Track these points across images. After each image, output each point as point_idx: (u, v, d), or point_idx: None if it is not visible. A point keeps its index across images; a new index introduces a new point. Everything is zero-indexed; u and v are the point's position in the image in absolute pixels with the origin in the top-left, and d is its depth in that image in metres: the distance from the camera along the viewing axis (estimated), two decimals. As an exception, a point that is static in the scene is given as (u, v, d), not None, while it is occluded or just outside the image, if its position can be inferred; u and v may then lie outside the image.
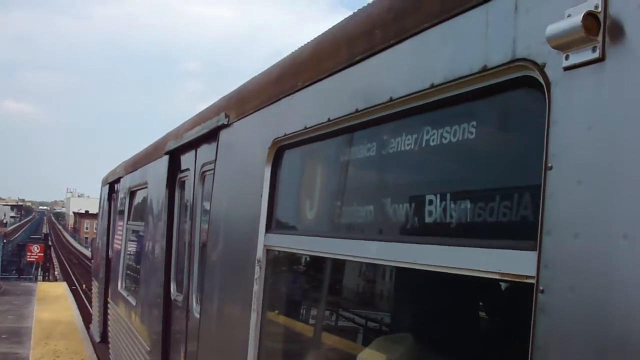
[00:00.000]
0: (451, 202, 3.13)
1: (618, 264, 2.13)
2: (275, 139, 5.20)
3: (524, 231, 2.65)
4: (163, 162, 9.64)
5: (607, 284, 2.17)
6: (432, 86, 3.20)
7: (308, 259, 5.00)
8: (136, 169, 12.54)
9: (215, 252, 6.60)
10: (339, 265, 4.48)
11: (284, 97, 5.15)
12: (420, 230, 3.36)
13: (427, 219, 3.28)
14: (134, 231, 12.99)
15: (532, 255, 2.48)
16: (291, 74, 5.15)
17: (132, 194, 13.24)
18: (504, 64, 2.74)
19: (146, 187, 11.26)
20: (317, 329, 5.00)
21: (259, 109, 5.72)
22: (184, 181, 8.93)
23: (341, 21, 4.50)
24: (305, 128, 4.67)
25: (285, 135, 5.03)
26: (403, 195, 3.59)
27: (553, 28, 2.39)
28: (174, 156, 9.28)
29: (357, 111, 3.93)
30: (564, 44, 2.37)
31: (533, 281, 2.46)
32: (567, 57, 2.40)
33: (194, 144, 8.20)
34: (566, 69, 2.40)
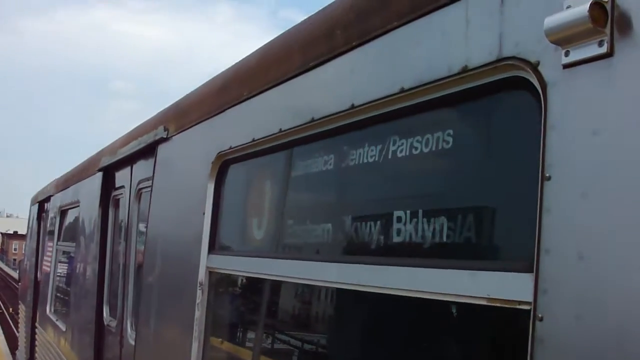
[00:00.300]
0: (424, 219, 2.80)
1: (631, 289, 1.84)
2: (220, 152, 4.81)
3: (516, 251, 2.35)
4: (96, 179, 9.10)
5: (619, 312, 1.87)
6: (402, 90, 2.88)
7: (256, 282, 4.60)
8: (68, 187, 11.88)
9: (153, 275, 6.14)
10: (292, 289, 4.11)
11: (228, 107, 4.77)
12: (389, 251, 3.03)
13: (396, 238, 2.95)
14: (64, 252, 12.30)
15: (526, 278, 2.17)
16: (237, 83, 4.78)
17: (62, 213, 12.55)
18: (487, 64, 2.44)
19: (78, 206, 10.65)
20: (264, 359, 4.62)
21: (201, 121, 5.33)
22: (119, 199, 8.43)
23: (294, 26, 4.17)
24: (254, 140, 4.30)
25: (230, 148, 4.66)
26: (367, 212, 3.25)
27: (552, 20, 2.10)
28: (108, 173, 8.76)
29: (313, 120, 3.59)
30: (564, 38, 2.09)
31: (529, 307, 2.15)
32: (567, 54, 2.11)
33: (129, 160, 7.71)
34: (566, 66, 2.11)
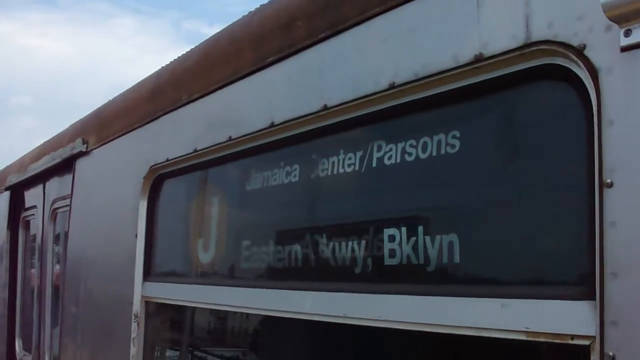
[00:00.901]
0: (432, 236, 2.35)
1: None
2: (153, 166, 4.26)
3: (565, 273, 1.93)
4: (2, 199, 8.27)
5: None
6: (392, 86, 2.44)
7: (202, 313, 4.05)
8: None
9: (76, 305, 5.46)
10: (248, 321, 3.59)
11: (163, 114, 4.22)
12: (381, 276, 2.56)
13: (390, 260, 2.49)
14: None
15: (584, 307, 1.77)
16: (173, 86, 4.23)
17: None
18: (510, 51, 2.03)
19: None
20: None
21: (129, 132, 4.74)
22: (29, 221, 7.66)
23: (241, 18, 3.66)
24: (196, 151, 3.78)
25: (167, 160, 4.11)
26: (348, 228, 2.77)
27: (613, -8, 1.70)
28: (17, 192, 7.96)
29: (272, 126, 3.10)
30: (625, 14, 1.69)
31: (588, 342, 1.75)
32: (627, 33, 1.71)
33: (42, 177, 6.98)
34: (626, 49, 1.72)
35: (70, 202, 5.73)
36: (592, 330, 1.74)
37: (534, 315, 1.91)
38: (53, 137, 7.07)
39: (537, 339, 1.90)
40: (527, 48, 1.98)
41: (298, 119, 2.93)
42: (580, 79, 1.86)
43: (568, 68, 1.90)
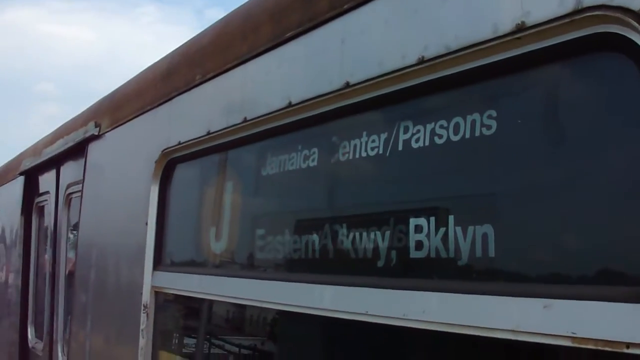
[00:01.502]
0: (459, 227, 2.11)
1: None
2: (165, 149, 4.05)
3: (623, 272, 1.69)
4: (17, 184, 8.12)
5: None
6: (422, 61, 2.20)
7: (213, 305, 3.84)
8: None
9: (87, 294, 5.28)
10: (262, 315, 3.37)
11: (176, 95, 4.01)
12: (406, 270, 2.33)
13: (416, 253, 2.26)
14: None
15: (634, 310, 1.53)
16: (186, 65, 4.02)
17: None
18: (557, 19, 1.79)
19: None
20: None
21: (141, 114, 4.54)
22: (43, 206, 7.50)
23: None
24: (209, 133, 3.56)
25: (179, 144, 3.90)
26: (370, 219, 2.53)
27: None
28: (31, 177, 7.80)
29: (290, 105, 2.88)
30: None
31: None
32: None
33: (55, 162, 6.81)
34: None
35: (82, 187, 5.55)
36: (647, 337, 1.50)
37: (582, 318, 1.67)
38: (68, 121, 6.90)
39: (585, 346, 1.66)
40: (577, 15, 1.73)
41: (317, 97, 2.70)
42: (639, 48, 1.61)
43: (627, 37, 1.65)
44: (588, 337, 1.65)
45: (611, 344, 1.60)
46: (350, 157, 2.64)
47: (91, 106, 6.12)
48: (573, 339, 1.68)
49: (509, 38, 1.92)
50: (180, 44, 4.35)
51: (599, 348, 1.63)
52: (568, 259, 1.85)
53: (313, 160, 2.87)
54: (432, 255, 2.19)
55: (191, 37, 4.28)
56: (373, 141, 2.52)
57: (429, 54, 2.18)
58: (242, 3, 3.58)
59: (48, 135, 7.54)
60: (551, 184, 1.93)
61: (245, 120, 3.22)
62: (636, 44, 1.63)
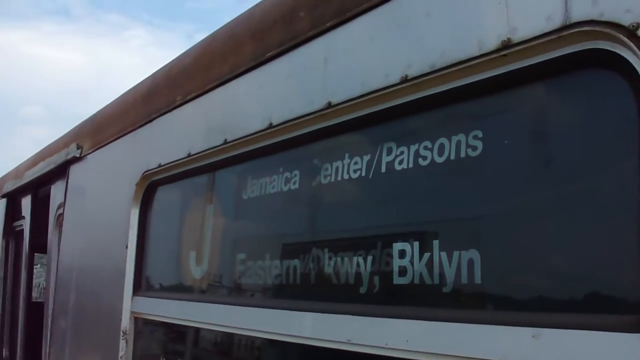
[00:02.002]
0: (444, 252, 2.02)
1: None
2: (146, 172, 3.95)
3: (617, 300, 1.60)
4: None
5: None
6: (405, 80, 2.13)
7: (195, 331, 3.72)
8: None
9: (64, 319, 5.14)
10: (242, 342, 3.25)
11: (157, 117, 3.92)
12: (388, 297, 2.24)
13: (399, 279, 2.17)
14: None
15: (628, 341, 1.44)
16: (167, 86, 3.93)
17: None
18: (543, 35, 1.72)
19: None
20: None
21: (122, 136, 4.44)
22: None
23: (241, 14, 3.36)
24: (190, 155, 3.47)
25: (159, 166, 3.80)
26: (352, 244, 2.44)
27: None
28: (14, 200, 7.66)
29: (271, 126, 2.80)
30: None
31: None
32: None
33: (36, 185, 6.69)
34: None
35: (63, 210, 5.43)
36: (648, 371, 1.41)
37: (573, 349, 1.58)
38: (51, 143, 6.78)
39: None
40: (566, 30, 1.67)
41: (298, 118, 2.62)
42: (632, 66, 1.54)
43: (617, 53, 1.59)
44: (581, 369, 1.56)
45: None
46: (333, 179, 2.56)
47: (74, 128, 6.02)
48: (564, 371, 1.59)
49: (494, 55, 1.85)
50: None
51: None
52: (558, 285, 1.76)
53: (294, 184, 2.78)
54: (416, 281, 2.10)
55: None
56: (355, 163, 2.44)
57: (413, 72, 2.10)
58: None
59: (31, 157, 7.42)
60: (540, 207, 1.85)
61: (225, 142, 3.13)
62: (627, 61, 1.56)
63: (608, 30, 1.57)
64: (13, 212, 7.71)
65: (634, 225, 1.53)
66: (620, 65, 1.57)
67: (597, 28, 1.60)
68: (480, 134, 1.97)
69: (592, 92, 1.71)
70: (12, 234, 7.60)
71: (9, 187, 7.60)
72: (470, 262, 1.93)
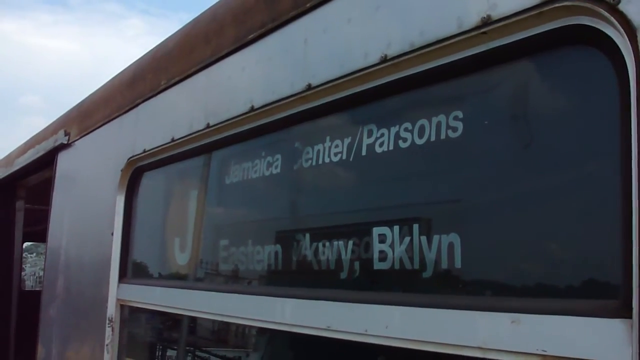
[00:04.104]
0: (424, 237, 1.98)
1: None
2: (131, 157, 3.89)
3: (596, 285, 1.55)
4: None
5: None
6: (384, 60, 2.07)
7: (180, 319, 3.68)
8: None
9: (53, 307, 5.09)
10: (223, 329, 3.21)
11: (142, 102, 3.86)
12: (368, 283, 2.19)
13: (379, 265, 2.12)
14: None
15: (618, 327, 1.39)
16: (152, 70, 3.87)
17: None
18: (523, 11, 1.66)
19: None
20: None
21: (108, 122, 4.38)
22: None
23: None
24: (173, 140, 3.41)
25: (144, 152, 3.75)
26: (332, 228, 2.40)
27: None
28: (5, 188, 7.59)
29: (252, 109, 2.74)
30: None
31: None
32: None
33: (25, 173, 6.63)
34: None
35: (51, 197, 5.37)
36: (627, 355, 1.36)
37: (552, 334, 1.53)
38: (40, 130, 6.72)
39: (552, 367, 1.52)
40: (547, 6, 1.61)
41: (279, 101, 2.56)
42: (614, 42, 1.49)
43: (597, 29, 1.53)
44: (559, 355, 1.51)
45: (583, 363, 1.47)
46: (314, 163, 2.50)
47: (62, 114, 5.95)
48: (543, 357, 1.54)
49: (474, 33, 1.79)
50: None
51: (569, 367, 1.50)
52: (538, 270, 1.71)
53: (276, 168, 2.73)
54: (396, 266, 2.05)
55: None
56: (336, 146, 2.39)
57: (392, 52, 2.04)
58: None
59: (21, 145, 7.36)
60: (522, 189, 1.80)
61: (208, 126, 3.07)
62: (609, 37, 1.50)
63: (589, 5, 1.51)
64: (4, 200, 7.65)
65: (615, 209, 1.47)
66: (603, 41, 1.52)
67: (578, 3, 1.54)
68: (460, 115, 1.91)
69: (574, 70, 1.65)
70: (3, 222, 7.54)
71: (0, 175, 7.54)
72: (451, 247, 1.88)
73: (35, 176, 6.83)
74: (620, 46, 1.47)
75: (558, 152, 1.69)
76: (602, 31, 1.52)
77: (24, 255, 17.44)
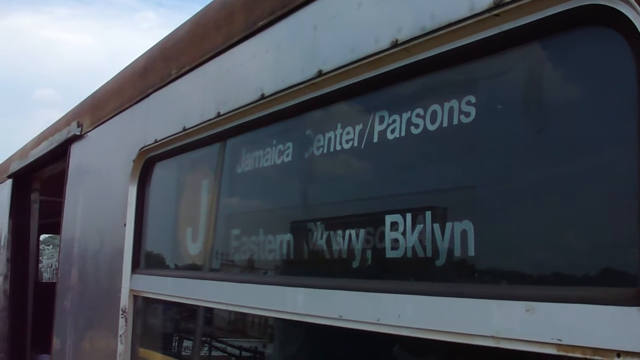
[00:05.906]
0: (437, 224, 1.94)
1: None
2: (143, 148, 3.88)
3: (613, 272, 1.51)
4: (6, 187, 7.93)
5: None
6: (395, 44, 2.03)
7: (194, 309, 3.67)
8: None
9: (67, 298, 5.10)
10: (241, 319, 3.20)
11: (153, 92, 3.84)
12: (380, 272, 2.16)
13: (392, 253, 2.09)
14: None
15: (636, 315, 1.35)
16: (163, 60, 3.85)
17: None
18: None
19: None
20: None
21: (120, 112, 4.37)
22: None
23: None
24: (185, 130, 3.39)
25: (155, 142, 3.73)
26: (344, 217, 2.37)
27: None
28: (21, 179, 7.62)
29: (263, 97, 2.71)
30: None
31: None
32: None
33: (40, 164, 6.65)
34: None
35: (64, 188, 5.38)
36: (647, 345, 1.32)
37: (568, 323, 1.49)
38: (54, 122, 6.73)
39: (571, 354, 1.48)
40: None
41: (289, 88, 2.53)
42: (631, 22, 1.44)
43: (614, 8, 1.48)
44: (575, 344, 1.48)
45: (600, 352, 1.43)
46: (325, 151, 2.47)
47: (75, 106, 5.95)
48: (558, 346, 1.51)
49: (486, 15, 1.74)
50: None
51: (587, 357, 1.46)
52: (553, 257, 1.67)
53: (287, 156, 2.70)
54: (409, 255, 2.02)
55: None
56: (348, 133, 2.35)
57: (403, 36, 2.00)
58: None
59: (35, 137, 7.37)
60: (536, 176, 1.75)
61: (218, 115, 3.05)
62: (627, 18, 1.45)
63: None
64: (19, 192, 7.68)
65: (632, 195, 1.43)
66: (621, 23, 1.47)
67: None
68: (473, 100, 1.87)
69: (589, 52, 1.61)
70: (19, 214, 7.57)
71: (15, 167, 7.56)
72: (464, 234, 1.84)
73: (49, 168, 6.84)
74: (638, 27, 1.42)
75: (573, 138, 1.64)
76: (619, 11, 1.47)
77: (40, 247, 17.58)
